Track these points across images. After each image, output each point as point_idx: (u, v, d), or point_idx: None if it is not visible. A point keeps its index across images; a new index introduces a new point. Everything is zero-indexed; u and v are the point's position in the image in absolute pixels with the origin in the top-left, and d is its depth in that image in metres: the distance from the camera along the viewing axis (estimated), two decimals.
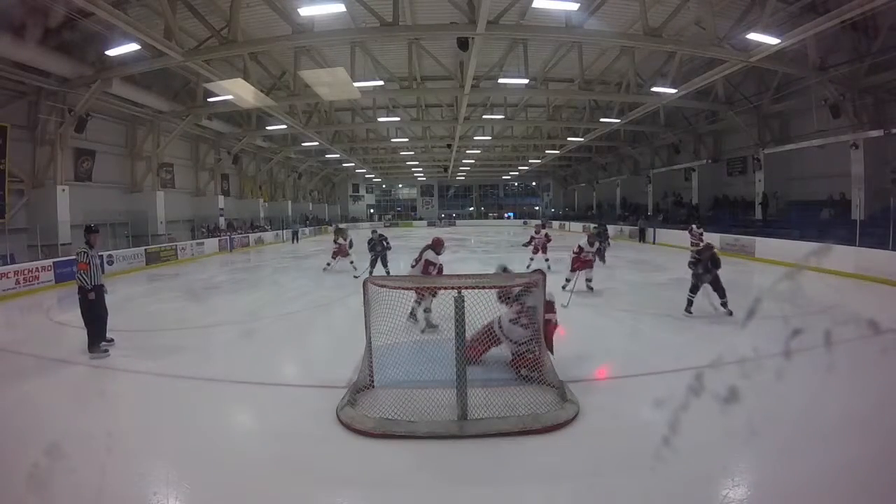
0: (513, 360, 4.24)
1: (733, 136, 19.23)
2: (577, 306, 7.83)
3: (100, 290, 5.47)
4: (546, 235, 12.56)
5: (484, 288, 4.38)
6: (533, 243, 12.80)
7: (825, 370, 3.62)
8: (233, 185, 25.47)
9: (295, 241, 26.02)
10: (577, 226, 31.48)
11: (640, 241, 20.87)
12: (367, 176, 42.88)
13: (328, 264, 12.44)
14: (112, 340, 5.67)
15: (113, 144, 16.61)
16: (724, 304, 6.66)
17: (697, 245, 12.41)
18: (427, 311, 5.91)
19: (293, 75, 14.17)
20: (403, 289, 4.15)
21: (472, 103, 18.87)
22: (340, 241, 12.54)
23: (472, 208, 49.62)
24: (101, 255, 12.61)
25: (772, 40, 10.12)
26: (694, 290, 6.82)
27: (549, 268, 10.69)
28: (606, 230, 20.17)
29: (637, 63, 14.65)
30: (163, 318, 7.62)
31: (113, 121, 16.32)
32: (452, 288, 3.79)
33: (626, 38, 12.15)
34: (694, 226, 15.10)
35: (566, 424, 3.45)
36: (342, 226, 18.41)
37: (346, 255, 12.18)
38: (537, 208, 48.06)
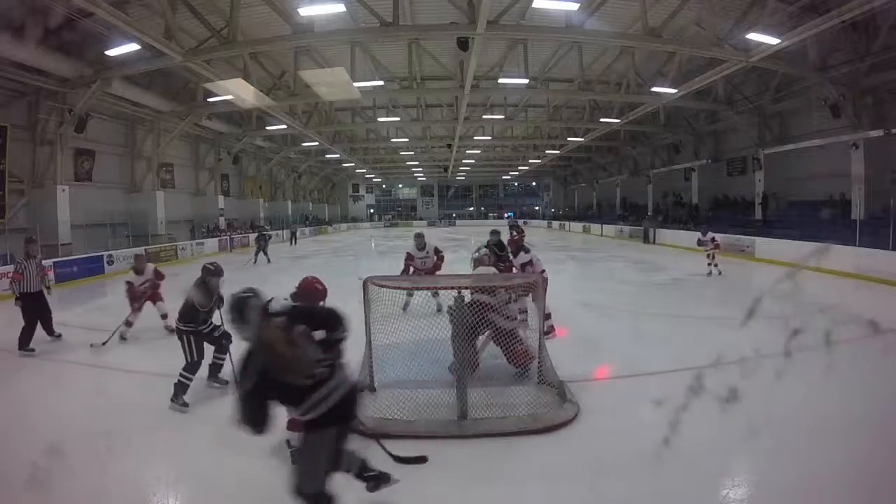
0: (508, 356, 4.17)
1: (733, 136, 19.23)
2: (576, 306, 7.83)
3: (31, 297, 5.73)
4: (437, 253, 7.35)
5: (483, 288, 4.38)
6: (412, 269, 7.17)
7: (825, 370, 3.61)
8: (233, 185, 25.45)
9: (293, 242, 25.11)
10: (577, 226, 31.50)
11: (644, 241, 20.71)
12: (367, 176, 42.89)
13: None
14: (59, 336, 6.02)
15: (113, 144, 16.61)
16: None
17: (712, 256, 10.96)
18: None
19: (293, 75, 14.18)
20: (404, 289, 4.16)
21: (472, 103, 18.86)
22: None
23: (472, 208, 49.61)
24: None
25: (772, 40, 10.12)
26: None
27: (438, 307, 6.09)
28: (519, 229, 14.92)
29: (637, 63, 14.66)
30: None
31: (113, 121, 16.31)
32: (452, 288, 3.80)
33: (626, 38, 12.16)
34: (700, 234, 11.59)
35: (566, 424, 3.45)
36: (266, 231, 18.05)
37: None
38: (537, 208, 48.08)
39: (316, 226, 34.15)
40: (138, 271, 6.35)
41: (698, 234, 11.72)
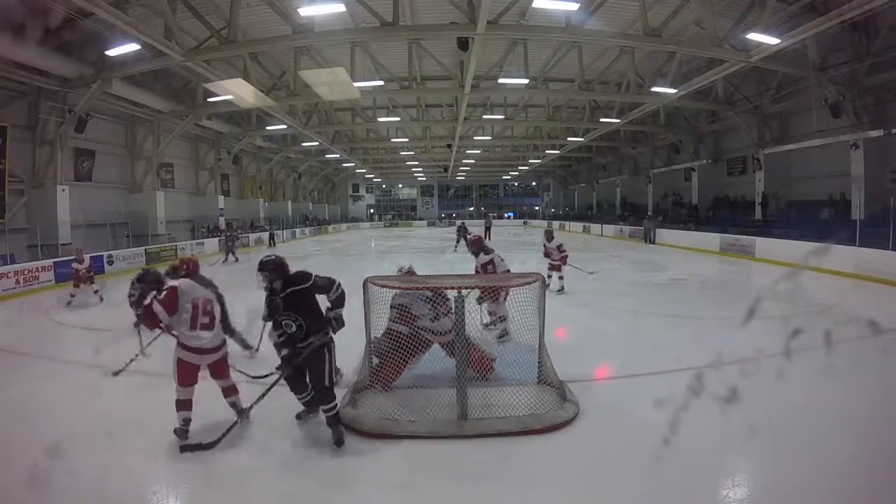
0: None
1: (733, 136, 19.23)
2: (576, 306, 7.84)
3: None
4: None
5: (483, 288, 4.38)
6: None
7: (825, 370, 3.62)
8: (233, 185, 25.47)
9: (272, 244, 23.18)
10: (577, 226, 31.51)
11: (646, 241, 20.60)
12: (367, 176, 42.92)
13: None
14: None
15: (113, 144, 16.61)
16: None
17: (558, 265, 8.62)
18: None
19: (293, 75, 14.17)
20: (404, 289, 4.16)
21: (472, 103, 18.88)
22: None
23: (471, 208, 49.64)
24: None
25: (772, 40, 10.12)
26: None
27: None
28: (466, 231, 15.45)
29: (637, 63, 14.66)
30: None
31: (113, 121, 16.32)
32: (452, 288, 3.80)
33: (626, 38, 12.15)
34: (545, 239, 9.02)
35: (566, 424, 3.45)
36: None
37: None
38: (537, 208, 48.11)
39: (316, 226, 34.16)
40: (80, 261, 8.81)
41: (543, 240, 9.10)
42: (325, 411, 3.32)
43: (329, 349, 3.38)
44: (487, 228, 23.26)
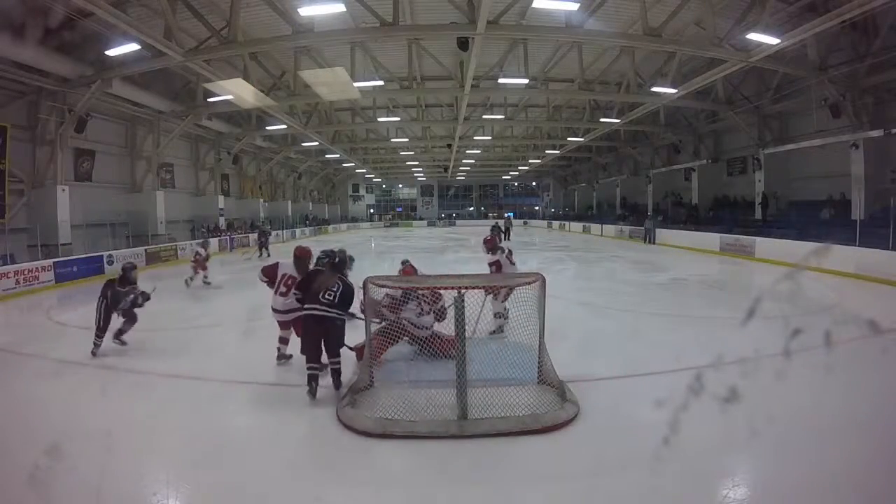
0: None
1: (733, 136, 19.23)
2: (576, 306, 7.84)
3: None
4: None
5: (483, 288, 4.38)
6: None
7: (825, 370, 3.62)
8: (233, 185, 25.46)
9: (264, 252, 17.62)
10: (577, 226, 31.49)
11: (646, 241, 20.57)
12: (367, 176, 42.90)
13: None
14: None
15: (113, 144, 16.61)
16: None
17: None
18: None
19: (293, 75, 14.18)
20: (403, 288, 4.16)
21: (472, 103, 18.88)
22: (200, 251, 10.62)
23: (471, 208, 49.63)
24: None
25: (772, 40, 10.12)
26: None
27: None
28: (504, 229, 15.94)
29: (637, 63, 14.65)
30: (163, 318, 7.59)
31: (113, 121, 16.32)
32: (453, 288, 3.80)
33: (626, 38, 12.15)
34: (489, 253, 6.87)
35: (566, 424, 3.45)
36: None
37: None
38: (537, 208, 48.10)
39: (316, 226, 34.16)
40: (203, 246, 10.81)
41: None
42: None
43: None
44: (506, 230, 24.84)
